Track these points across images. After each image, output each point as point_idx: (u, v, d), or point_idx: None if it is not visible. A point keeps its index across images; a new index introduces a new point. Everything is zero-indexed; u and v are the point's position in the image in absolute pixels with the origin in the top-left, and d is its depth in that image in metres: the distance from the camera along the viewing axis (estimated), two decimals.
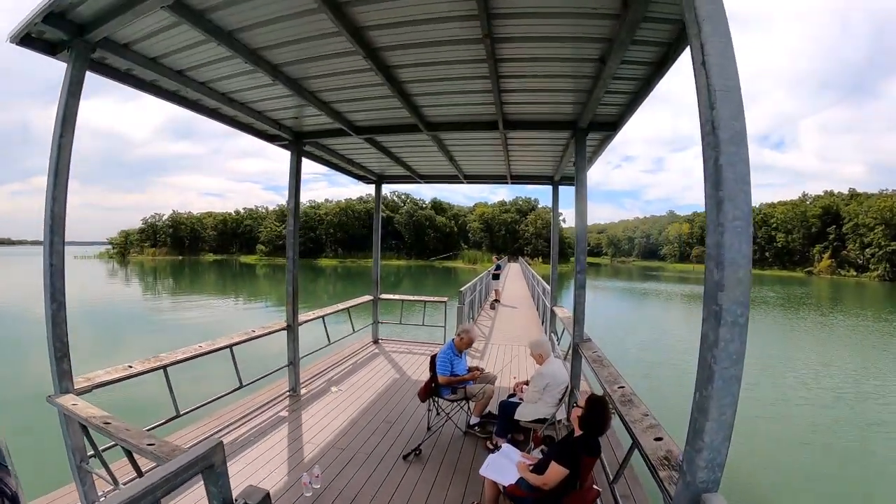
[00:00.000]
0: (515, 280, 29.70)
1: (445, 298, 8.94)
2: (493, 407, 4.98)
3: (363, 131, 5.37)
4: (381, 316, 9.26)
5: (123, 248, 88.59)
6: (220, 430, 4.76)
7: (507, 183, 8.71)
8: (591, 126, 4.81)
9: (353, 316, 8.47)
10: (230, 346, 4.88)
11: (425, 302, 9.15)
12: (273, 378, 5.96)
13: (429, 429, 4.89)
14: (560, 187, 8.40)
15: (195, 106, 4.54)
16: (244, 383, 5.14)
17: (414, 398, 5.79)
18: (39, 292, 2.81)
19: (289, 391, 5.89)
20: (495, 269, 18.39)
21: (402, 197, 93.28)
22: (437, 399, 4.88)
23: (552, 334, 8.40)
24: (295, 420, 5.14)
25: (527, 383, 4.47)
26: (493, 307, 15.57)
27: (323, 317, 6.98)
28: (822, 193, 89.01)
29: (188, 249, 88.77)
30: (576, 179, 5.00)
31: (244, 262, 77.01)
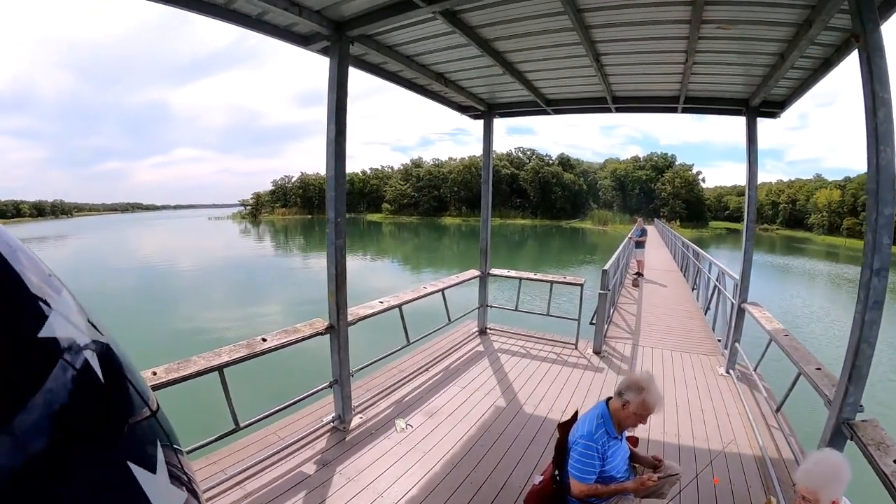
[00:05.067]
0: (656, 247, 25.47)
1: (582, 280, 6.26)
2: None
3: None
4: (492, 293, 6.90)
5: (256, 209, 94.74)
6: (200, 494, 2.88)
7: (675, 111, 5.61)
8: None
9: (453, 296, 6.20)
10: (219, 368, 2.92)
11: (552, 283, 6.60)
12: (316, 397, 4.00)
13: None
14: (759, 119, 5.19)
15: None
16: (241, 424, 3.18)
17: (526, 458, 3.48)
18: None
19: (332, 421, 3.89)
20: (639, 235, 14.83)
21: (528, 153, 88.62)
22: None
23: (735, 344, 5.44)
24: (322, 485, 3.11)
25: None
26: (635, 284, 12.39)
27: (399, 306, 4.83)
28: None
29: (317, 209, 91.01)
30: (871, 61, 2.13)
31: (370, 221, 79.69)
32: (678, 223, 68.41)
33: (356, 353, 3.97)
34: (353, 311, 4.08)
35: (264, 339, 3.23)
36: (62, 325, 0.62)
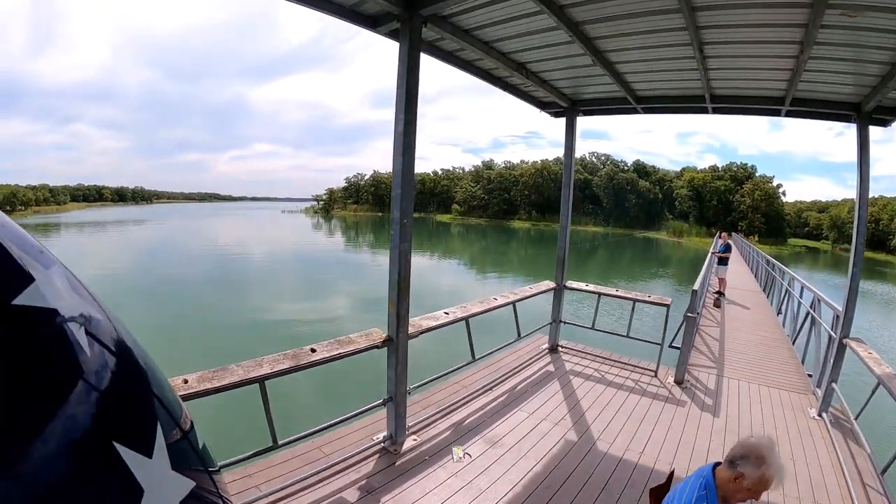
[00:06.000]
0: (735, 262, 23.41)
1: (668, 300, 5.52)
2: None
3: None
4: (565, 309, 6.26)
5: (328, 204, 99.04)
6: None
7: (778, 114, 4.89)
8: None
9: (524, 309, 5.67)
10: (260, 381, 2.65)
11: (635, 301, 5.82)
12: (368, 415, 3.67)
13: None
14: (870, 127, 4.33)
15: None
16: (280, 442, 2.89)
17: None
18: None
19: (383, 441, 3.54)
20: (722, 251, 13.43)
21: (602, 158, 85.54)
22: None
23: (832, 385, 4.56)
24: None
25: None
26: (716, 304, 11.20)
27: (466, 319, 4.41)
28: None
29: (387, 207, 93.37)
30: None
31: (439, 221, 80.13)
32: (756, 238, 63.18)
33: (412, 365, 3.60)
34: (415, 323, 3.71)
35: (313, 350, 2.93)
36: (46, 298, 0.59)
